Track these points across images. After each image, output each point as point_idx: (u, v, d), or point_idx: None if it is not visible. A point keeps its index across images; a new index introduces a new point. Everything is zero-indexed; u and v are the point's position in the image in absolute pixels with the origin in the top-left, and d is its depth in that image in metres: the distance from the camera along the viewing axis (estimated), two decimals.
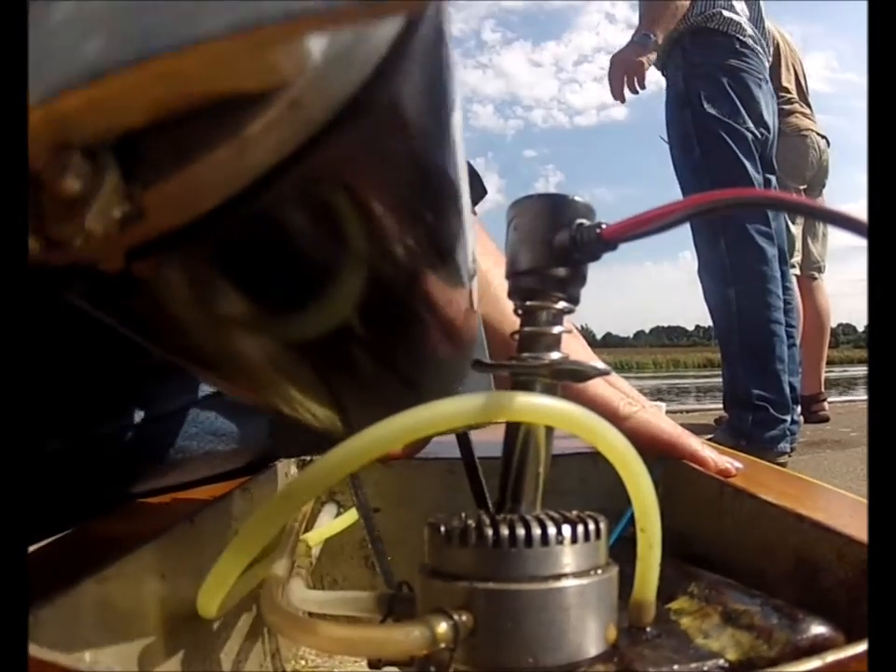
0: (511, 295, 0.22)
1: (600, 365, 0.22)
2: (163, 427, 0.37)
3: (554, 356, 0.22)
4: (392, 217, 0.15)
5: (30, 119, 0.10)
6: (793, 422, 1.56)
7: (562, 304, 0.22)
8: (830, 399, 2.12)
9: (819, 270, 2.09)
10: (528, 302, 0.22)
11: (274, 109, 0.11)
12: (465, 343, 0.25)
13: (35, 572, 0.14)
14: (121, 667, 0.21)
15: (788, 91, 2.02)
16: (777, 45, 2.00)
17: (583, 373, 0.22)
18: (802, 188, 2.00)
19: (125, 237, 0.12)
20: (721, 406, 1.87)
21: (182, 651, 0.25)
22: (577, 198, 0.21)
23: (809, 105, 2.07)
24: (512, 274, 0.22)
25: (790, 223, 1.92)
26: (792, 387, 1.56)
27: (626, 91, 1.57)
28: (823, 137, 2.04)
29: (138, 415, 0.35)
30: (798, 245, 2.03)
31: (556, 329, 0.22)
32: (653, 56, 1.52)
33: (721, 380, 1.76)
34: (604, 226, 0.20)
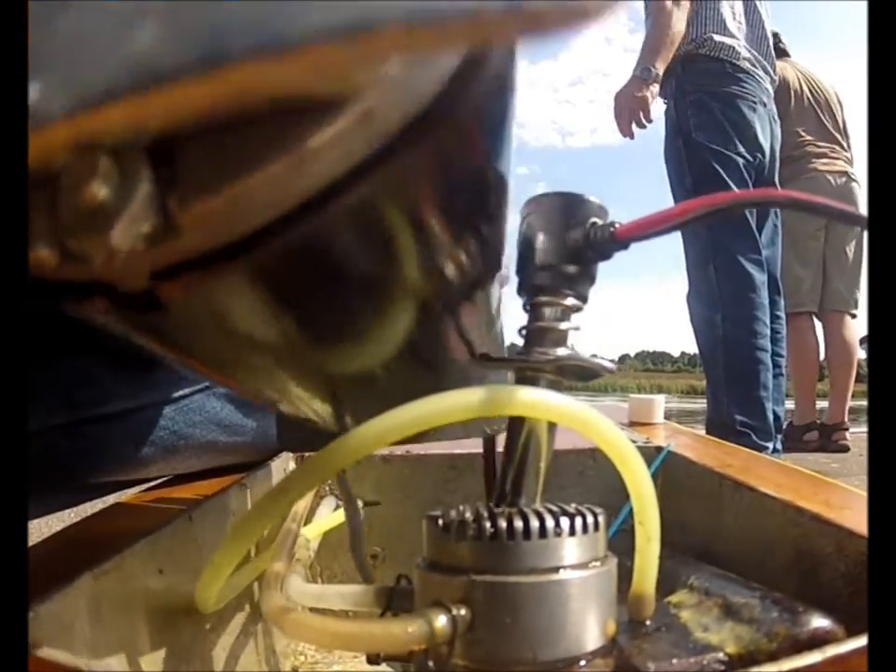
0: (520, 290, 0.22)
1: (606, 363, 0.22)
2: (166, 413, 0.36)
3: (560, 352, 0.22)
4: (444, 233, 0.14)
5: (56, 121, 0.08)
6: (775, 450, 1.56)
7: (571, 301, 0.22)
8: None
9: (848, 305, 2.07)
10: (537, 298, 0.22)
11: (344, 120, 0.09)
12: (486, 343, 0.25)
13: (34, 568, 0.14)
14: (118, 663, 0.21)
15: (799, 136, 1.99)
16: (795, 88, 1.97)
17: (588, 370, 0.22)
18: (823, 226, 1.99)
19: (152, 256, 0.10)
20: (703, 432, 1.85)
21: (180, 647, 0.25)
22: (591, 197, 0.21)
23: (840, 144, 2.03)
24: (523, 270, 0.22)
25: (798, 266, 1.91)
26: (776, 416, 1.55)
27: (633, 127, 1.54)
28: (845, 175, 2.02)
29: (140, 400, 0.34)
30: (813, 280, 2.01)
31: (563, 326, 0.22)
32: (657, 89, 1.49)
33: (702, 405, 1.72)
34: (617, 225, 0.20)
